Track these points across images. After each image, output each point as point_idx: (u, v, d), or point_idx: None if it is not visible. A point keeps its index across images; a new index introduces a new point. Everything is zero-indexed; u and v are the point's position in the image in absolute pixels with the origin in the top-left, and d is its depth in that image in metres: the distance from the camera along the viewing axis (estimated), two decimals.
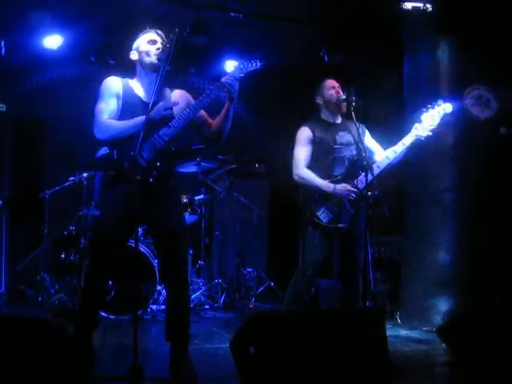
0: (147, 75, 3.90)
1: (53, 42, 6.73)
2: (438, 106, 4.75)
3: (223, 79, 3.80)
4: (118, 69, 4.79)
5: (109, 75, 3.96)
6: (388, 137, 4.93)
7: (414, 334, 5.46)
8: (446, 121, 4.85)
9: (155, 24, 4.01)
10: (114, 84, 3.89)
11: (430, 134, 4.70)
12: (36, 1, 6.05)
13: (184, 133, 3.84)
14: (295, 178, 4.82)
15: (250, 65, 3.86)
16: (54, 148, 7.10)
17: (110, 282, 5.48)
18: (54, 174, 6.86)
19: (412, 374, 4.06)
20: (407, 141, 4.69)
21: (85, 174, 6.20)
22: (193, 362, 3.75)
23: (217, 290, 6.79)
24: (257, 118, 8.37)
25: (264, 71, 4.05)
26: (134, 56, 3.96)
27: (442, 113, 4.74)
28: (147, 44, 3.90)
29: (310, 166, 4.79)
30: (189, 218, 6.43)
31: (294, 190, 5.24)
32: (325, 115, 4.93)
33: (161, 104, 3.75)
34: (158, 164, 3.72)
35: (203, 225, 6.91)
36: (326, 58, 6.80)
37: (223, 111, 3.92)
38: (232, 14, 6.24)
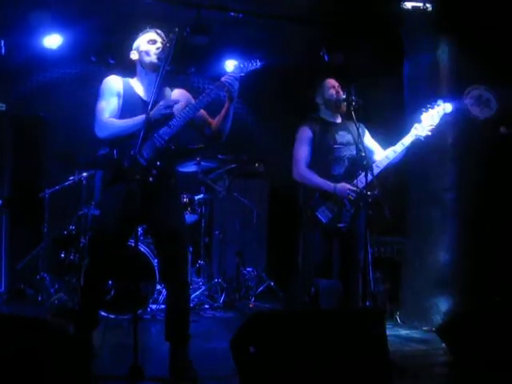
0: (147, 75, 3.90)
1: (53, 41, 6.73)
2: (438, 106, 4.76)
3: (223, 79, 3.81)
4: (118, 68, 4.78)
5: (109, 75, 3.97)
6: (388, 137, 4.93)
7: (413, 333, 5.45)
8: (445, 120, 4.85)
9: (155, 24, 4.01)
10: (114, 83, 3.89)
11: (430, 133, 4.71)
12: (36, 0, 6.05)
13: (184, 132, 3.85)
14: (295, 177, 4.82)
15: (250, 64, 3.86)
16: (53, 147, 7.10)
17: (110, 282, 5.48)
18: (53, 174, 6.86)
19: (412, 373, 4.07)
20: (407, 141, 4.70)
21: (84, 174, 6.21)
22: (192, 362, 3.76)
23: (216, 289, 6.79)
24: (257, 118, 8.37)
25: (264, 71, 4.06)
26: (134, 56, 3.97)
27: (441, 113, 4.74)
28: (147, 44, 3.90)
29: (310, 166, 4.78)
30: (189, 217, 6.43)
31: (294, 190, 5.24)
32: (325, 115, 4.93)
33: (162, 102, 3.75)
34: (158, 163, 3.72)
35: (203, 224, 6.92)
36: (326, 58, 6.80)
37: (223, 111, 3.92)
38: (232, 14, 6.24)
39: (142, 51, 3.91)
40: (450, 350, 4.32)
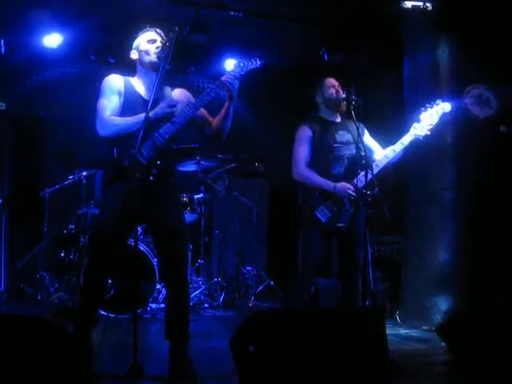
0: (147, 74, 3.91)
1: (53, 40, 6.73)
2: (437, 105, 4.76)
3: (223, 78, 3.81)
4: (118, 67, 4.78)
5: (109, 74, 3.97)
6: (388, 136, 4.93)
7: (413, 333, 5.45)
8: (445, 120, 4.86)
9: (155, 23, 4.01)
10: (115, 81, 3.89)
11: (429, 133, 4.71)
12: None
13: (184, 131, 3.85)
14: (295, 176, 4.82)
15: (249, 63, 3.86)
16: (53, 147, 7.11)
17: (110, 281, 5.48)
18: (53, 173, 6.86)
19: (412, 372, 4.07)
20: (406, 140, 4.70)
21: (84, 173, 6.22)
22: (192, 361, 3.76)
23: (216, 288, 6.79)
24: (256, 117, 8.37)
25: (264, 70, 4.06)
26: (134, 55, 3.97)
27: (440, 112, 4.75)
28: (147, 43, 3.91)
29: (310, 165, 4.79)
30: (188, 216, 6.44)
31: (294, 189, 5.24)
32: (324, 114, 4.93)
33: (165, 101, 3.76)
34: (158, 162, 3.72)
35: (203, 224, 6.92)
36: (326, 57, 6.80)
37: (223, 110, 3.92)
38: (232, 13, 6.23)
39: (141, 50, 3.91)
40: (450, 349, 4.32)
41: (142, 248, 5.80)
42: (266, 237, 8.20)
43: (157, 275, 5.68)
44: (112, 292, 5.54)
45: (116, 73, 3.97)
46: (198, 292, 6.54)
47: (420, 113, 4.75)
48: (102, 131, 3.77)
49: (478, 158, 5.57)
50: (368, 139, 4.95)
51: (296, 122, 4.96)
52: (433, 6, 5.48)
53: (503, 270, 5.38)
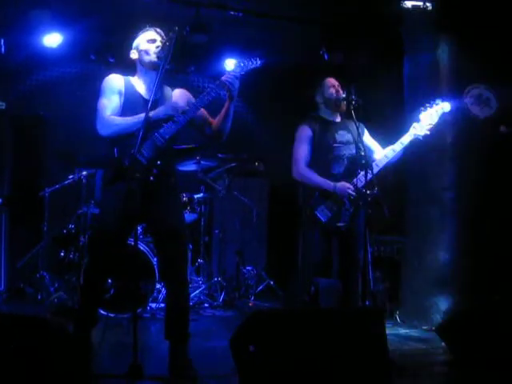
0: (147, 73, 3.91)
1: (53, 40, 6.72)
2: (436, 105, 4.76)
3: (223, 78, 3.80)
4: (118, 67, 4.78)
5: (109, 73, 3.97)
6: (388, 136, 4.93)
7: (413, 332, 5.45)
8: (444, 120, 4.86)
9: (155, 23, 4.01)
10: (116, 81, 3.89)
11: (428, 133, 4.72)
12: None
13: (184, 131, 3.85)
14: (295, 176, 4.82)
15: (250, 63, 3.85)
16: (53, 146, 7.11)
17: (110, 280, 5.48)
18: (53, 173, 6.86)
19: (411, 372, 4.07)
20: (405, 140, 4.70)
21: (84, 173, 6.21)
22: (192, 360, 3.76)
23: (216, 288, 6.79)
24: (256, 117, 8.37)
25: (264, 70, 4.06)
26: (133, 55, 3.97)
27: (440, 112, 4.75)
28: (147, 43, 3.90)
29: (310, 165, 4.79)
30: (188, 216, 6.43)
31: (294, 189, 5.24)
32: (324, 114, 4.93)
33: (170, 103, 3.77)
34: (159, 162, 3.72)
35: (203, 223, 6.92)
36: (326, 57, 6.80)
37: (224, 110, 3.92)
38: (232, 13, 6.24)
39: (141, 50, 3.91)
40: (450, 349, 4.32)
41: (141, 247, 5.80)
42: (266, 236, 8.20)
43: (156, 275, 5.68)
44: (112, 291, 5.54)
45: (116, 72, 3.97)
46: (197, 292, 6.54)
47: (419, 112, 4.75)
48: (103, 131, 3.77)
49: (478, 157, 5.58)
50: (368, 139, 4.95)
51: (296, 122, 4.96)
52: (433, 6, 5.48)
53: (503, 270, 5.38)
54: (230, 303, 6.59)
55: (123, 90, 3.87)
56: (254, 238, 7.73)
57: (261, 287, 7.14)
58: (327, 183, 4.67)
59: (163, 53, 3.74)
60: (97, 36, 7.00)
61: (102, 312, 5.26)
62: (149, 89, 3.85)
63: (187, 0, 6.07)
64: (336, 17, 6.34)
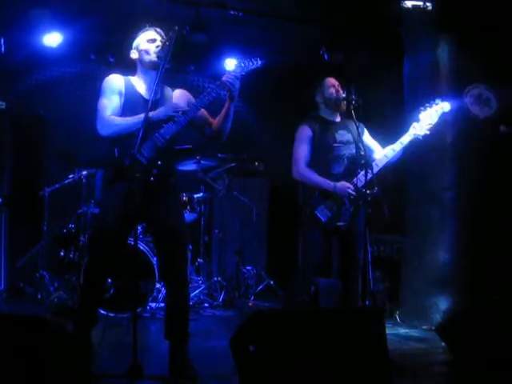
0: (147, 73, 3.91)
1: (53, 39, 6.72)
2: (436, 104, 4.76)
3: (224, 78, 3.80)
4: (118, 67, 4.78)
5: (109, 73, 3.97)
6: (388, 136, 4.93)
7: (413, 332, 5.45)
8: (444, 119, 4.86)
9: (155, 23, 4.01)
10: (116, 81, 3.89)
11: (428, 133, 4.72)
12: None
13: (184, 132, 3.85)
14: (295, 176, 4.82)
15: (250, 63, 3.85)
16: (53, 146, 7.10)
17: (110, 280, 5.48)
18: (53, 172, 6.85)
19: (411, 372, 4.07)
20: (405, 140, 4.70)
21: (84, 172, 6.21)
22: (192, 360, 3.76)
23: (216, 288, 6.79)
24: (256, 116, 8.36)
25: (264, 69, 4.05)
26: (134, 55, 3.97)
27: (439, 111, 4.75)
28: (147, 42, 3.91)
29: (310, 165, 4.78)
30: (188, 216, 6.43)
31: (294, 189, 5.25)
32: (324, 114, 4.93)
33: (170, 104, 3.77)
34: (159, 163, 3.72)
35: (202, 223, 6.92)
36: (326, 57, 6.80)
37: (224, 110, 3.92)
38: (232, 13, 6.23)
39: (141, 50, 3.91)
40: (450, 349, 4.33)
41: (141, 247, 5.80)
42: (266, 236, 8.19)
43: (156, 274, 5.68)
44: (112, 291, 5.54)
45: (116, 72, 3.97)
46: (197, 291, 6.54)
47: (419, 112, 4.75)
48: (103, 131, 3.77)
49: (478, 157, 5.58)
50: (368, 139, 4.95)
51: (296, 122, 4.95)
52: (433, 6, 5.48)
53: (503, 269, 5.39)
54: (229, 303, 6.59)
55: (123, 90, 3.87)
56: (254, 238, 7.73)
57: (261, 287, 7.14)
58: (327, 183, 4.67)
59: (163, 52, 3.75)
60: (97, 36, 7.00)
61: (101, 312, 5.26)
62: (149, 88, 3.85)
63: (187, 0, 6.07)
64: (336, 17, 6.33)
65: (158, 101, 3.80)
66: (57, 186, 6.37)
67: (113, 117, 3.79)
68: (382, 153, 4.79)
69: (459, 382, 4.05)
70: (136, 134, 3.56)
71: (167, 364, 3.76)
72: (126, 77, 3.94)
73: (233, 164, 6.81)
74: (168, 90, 4.00)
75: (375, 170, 4.57)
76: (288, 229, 7.14)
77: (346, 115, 4.85)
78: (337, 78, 4.97)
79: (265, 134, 8.18)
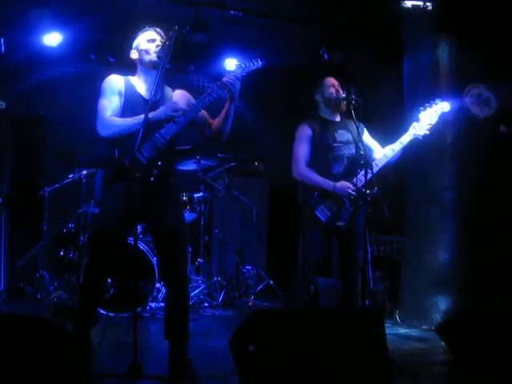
0: (147, 73, 3.91)
1: (53, 39, 6.73)
2: (436, 104, 4.77)
3: (224, 78, 3.80)
4: (118, 67, 4.78)
5: (109, 73, 3.97)
6: (388, 136, 4.93)
7: (413, 332, 5.45)
8: (444, 119, 4.86)
9: (155, 23, 4.01)
10: (116, 81, 3.89)
11: (428, 132, 4.72)
12: None
13: (184, 132, 3.85)
14: (295, 175, 4.82)
15: (251, 64, 3.86)
16: (53, 146, 7.11)
17: (109, 280, 5.48)
18: (53, 172, 6.86)
19: (411, 372, 4.07)
20: (405, 139, 4.70)
21: (84, 172, 6.21)
22: (192, 360, 3.76)
23: (216, 287, 6.79)
24: (256, 116, 8.36)
25: (264, 69, 4.05)
26: (134, 55, 3.97)
27: (439, 111, 4.75)
28: (147, 42, 3.91)
29: (310, 164, 4.78)
30: (188, 215, 6.43)
31: (294, 188, 5.24)
32: (324, 113, 4.93)
33: (170, 104, 3.76)
34: (159, 163, 3.72)
35: (202, 223, 6.92)
36: (326, 57, 6.80)
37: (224, 111, 3.92)
38: (232, 13, 6.23)
39: (141, 50, 3.91)
40: (450, 349, 4.33)
41: (141, 247, 5.80)
42: (266, 236, 8.19)
43: (156, 274, 5.69)
44: (111, 291, 5.54)
45: (116, 72, 3.97)
46: (197, 291, 6.54)
47: (419, 112, 4.76)
48: (103, 132, 3.77)
49: (478, 157, 5.57)
50: (367, 138, 4.95)
51: (296, 122, 4.95)
52: (433, 6, 5.48)
53: (503, 269, 5.38)
54: (229, 303, 6.60)
55: (123, 90, 3.87)
56: (254, 238, 7.72)
57: (260, 287, 7.14)
58: (327, 183, 4.67)
59: (163, 52, 3.75)
60: (97, 36, 7.00)
61: (101, 311, 5.26)
62: (149, 89, 3.84)
63: (187, 0, 6.07)
64: (336, 17, 6.33)
65: (158, 101, 3.80)
66: (57, 185, 6.37)
67: (113, 117, 3.79)
68: (381, 153, 4.79)
69: (459, 382, 4.05)
70: (136, 134, 3.56)
71: (167, 364, 3.76)
72: (125, 77, 3.94)
73: (233, 164, 6.81)
74: (168, 90, 4.00)
75: (375, 169, 4.56)
76: (288, 229, 7.13)
77: (346, 115, 4.85)
78: (337, 78, 4.97)
79: (265, 133, 8.18)
